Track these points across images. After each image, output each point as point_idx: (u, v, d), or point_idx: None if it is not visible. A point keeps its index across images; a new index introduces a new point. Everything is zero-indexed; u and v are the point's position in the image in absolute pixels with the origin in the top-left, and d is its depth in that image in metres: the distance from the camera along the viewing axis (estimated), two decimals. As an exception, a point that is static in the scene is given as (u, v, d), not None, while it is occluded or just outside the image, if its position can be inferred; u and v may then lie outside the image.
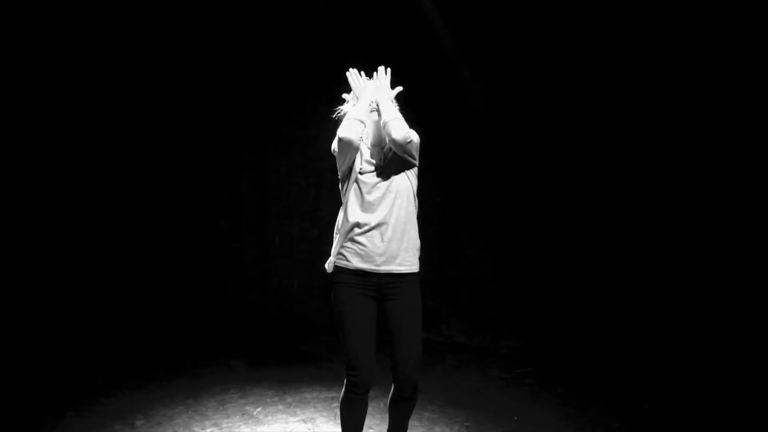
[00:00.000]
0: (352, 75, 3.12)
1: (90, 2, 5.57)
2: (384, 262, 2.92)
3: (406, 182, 3.02)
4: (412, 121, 3.06)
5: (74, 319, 5.55)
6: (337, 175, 3.11)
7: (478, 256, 6.03)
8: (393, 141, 2.94)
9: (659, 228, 5.55)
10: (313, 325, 5.88)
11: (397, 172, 3.00)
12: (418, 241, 3.05)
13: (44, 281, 5.59)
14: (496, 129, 5.93)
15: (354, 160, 3.03)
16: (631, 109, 5.61)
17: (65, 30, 5.56)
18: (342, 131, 2.96)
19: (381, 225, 2.92)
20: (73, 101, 5.71)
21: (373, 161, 3.02)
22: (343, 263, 2.96)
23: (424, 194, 4.47)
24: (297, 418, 3.93)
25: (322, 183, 6.16)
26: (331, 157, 3.14)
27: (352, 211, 2.97)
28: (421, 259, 3.06)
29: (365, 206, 2.95)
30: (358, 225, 2.93)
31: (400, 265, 2.95)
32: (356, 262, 2.93)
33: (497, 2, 5.77)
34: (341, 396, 3.00)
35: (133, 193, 5.98)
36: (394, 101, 3.11)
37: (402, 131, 2.93)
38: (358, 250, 2.92)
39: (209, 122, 6.09)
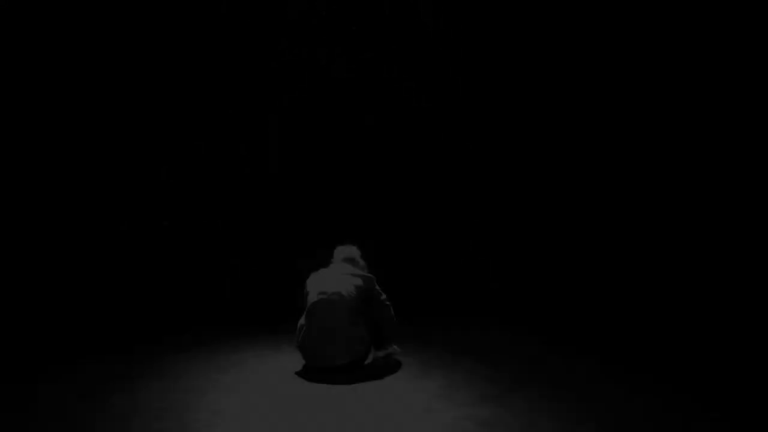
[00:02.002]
0: None
1: (90, 2, 5.60)
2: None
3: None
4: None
5: (74, 319, 5.57)
6: None
7: (478, 255, 6.05)
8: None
9: (658, 225, 5.56)
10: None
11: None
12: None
13: (44, 281, 5.61)
14: (496, 129, 5.95)
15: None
16: (632, 110, 5.63)
17: (65, 30, 5.59)
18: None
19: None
20: (73, 101, 5.73)
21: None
22: None
23: (424, 195, 4.50)
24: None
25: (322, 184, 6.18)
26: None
27: None
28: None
29: None
30: None
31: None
32: None
33: (497, 2, 5.79)
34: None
35: (133, 193, 6.00)
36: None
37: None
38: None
39: (209, 122, 6.11)
